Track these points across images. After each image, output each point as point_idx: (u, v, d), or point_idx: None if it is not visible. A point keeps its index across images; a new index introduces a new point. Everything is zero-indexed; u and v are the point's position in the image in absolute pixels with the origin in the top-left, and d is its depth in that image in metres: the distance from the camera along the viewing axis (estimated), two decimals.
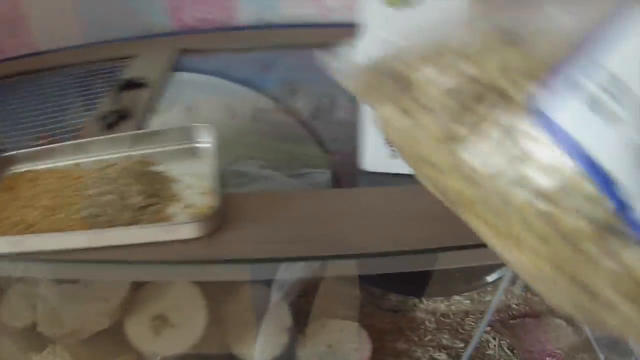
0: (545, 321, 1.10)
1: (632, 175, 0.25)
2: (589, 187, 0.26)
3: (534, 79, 0.28)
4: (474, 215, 0.32)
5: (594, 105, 0.25)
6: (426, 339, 1.06)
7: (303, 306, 0.92)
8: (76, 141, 0.75)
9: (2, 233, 0.61)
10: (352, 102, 0.81)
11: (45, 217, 0.64)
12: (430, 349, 1.05)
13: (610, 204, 0.26)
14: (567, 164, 0.27)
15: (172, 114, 0.95)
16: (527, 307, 1.13)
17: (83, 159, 0.75)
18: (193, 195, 0.68)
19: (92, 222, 0.62)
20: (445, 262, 0.61)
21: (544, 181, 0.27)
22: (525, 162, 0.28)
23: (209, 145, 0.76)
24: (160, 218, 0.63)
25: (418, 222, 0.60)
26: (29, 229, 0.62)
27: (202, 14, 1.32)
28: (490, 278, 1.12)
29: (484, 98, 0.29)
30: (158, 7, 1.28)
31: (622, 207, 0.26)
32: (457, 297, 1.13)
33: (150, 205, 0.65)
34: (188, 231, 0.60)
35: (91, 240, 0.58)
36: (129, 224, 0.61)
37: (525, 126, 0.28)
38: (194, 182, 0.70)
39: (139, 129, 0.83)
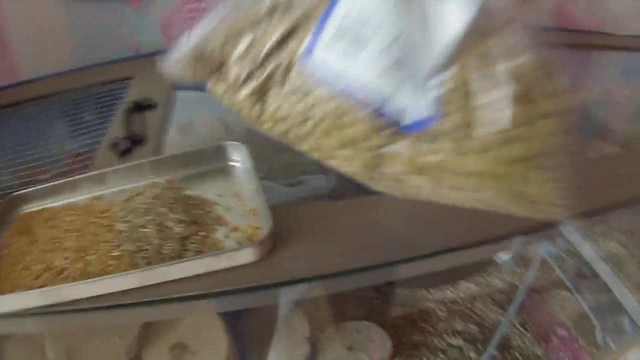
0: (550, 294, 1.12)
1: (380, 85, 0.33)
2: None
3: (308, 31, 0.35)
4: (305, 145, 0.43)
5: (337, 41, 0.33)
6: (440, 327, 1.07)
7: (314, 312, 0.91)
8: (94, 172, 0.68)
9: (29, 284, 0.53)
10: None
11: (76, 260, 0.56)
12: (446, 336, 1.06)
13: (370, 110, 0.35)
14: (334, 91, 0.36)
15: (169, 133, 0.90)
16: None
17: (104, 191, 0.67)
18: (236, 218, 0.61)
19: (133, 260, 0.54)
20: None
21: (327, 108, 0.37)
22: (309, 97, 0.37)
23: (239, 163, 0.70)
24: (208, 246, 0.56)
25: (465, 216, 0.53)
26: (60, 275, 0.54)
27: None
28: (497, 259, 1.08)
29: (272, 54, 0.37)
30: (149, 25, 1.22)
31: (378, 110, 0.35)
32: (463, 283, 1.15)
33: (193, 234, 0.57)
34: (244, 257, 0.53)
35: (142, 279, 0.51)
36: (177, 256, 0.54)
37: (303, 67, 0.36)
38: (233, 203, 0.63)
39: (156, 153, 0.76)
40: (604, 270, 0.95)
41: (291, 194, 0.79)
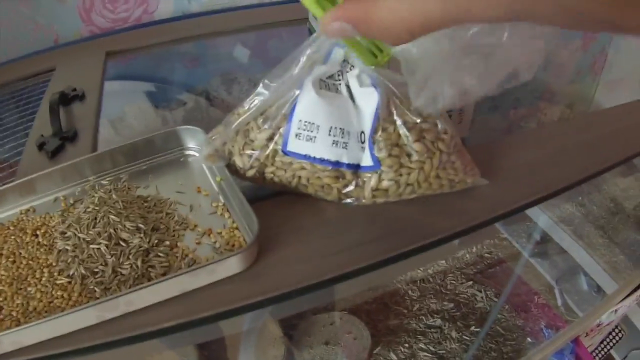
0: (521, 262, 1.14)
1: (331, 153, 0.52)
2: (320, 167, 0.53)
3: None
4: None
5: (301, 135, 0.51)
6: (415, 308, 1.05)
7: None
8: (21, 180, 0.55)
9: None
10: None
11: (13, 295, 0.45)
12: (423, 317, 1.04)
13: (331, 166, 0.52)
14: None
15: (101, 129, 0.78)
16: (498, 253, 1.17)
17: (35, 202, 0.55)
18: (205, 218, 0.51)
19: (86, 287, 0.43)
20: None
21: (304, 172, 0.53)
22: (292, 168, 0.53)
23: (197, 152, 0.58)
24: (178, 259, 0.45)
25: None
26: None
27: (115, 14, 1.16)
28: None
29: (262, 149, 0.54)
30: (67, 13, 1.11)
31: (339, 164, 0.52)
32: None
33: (156, 244, 0.46)
34: (228, 268, 0.43)
35: (101, 311, 0.40)
36: (141, 276, 0.43)
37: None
38: (198, 199, 0.53)
39: (93, 150, 0.64)
40: (559, 235, 1.08)
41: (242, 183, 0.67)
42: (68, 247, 0.47)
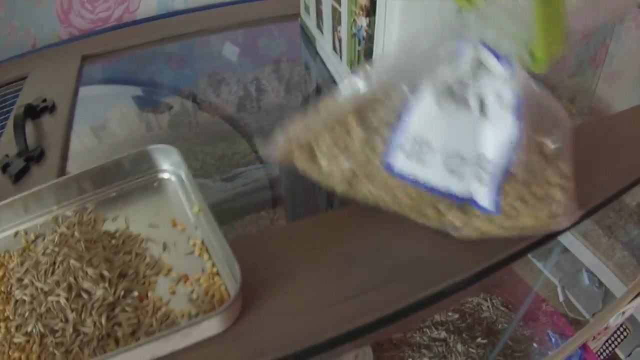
0: (518, 267, 1.10)
1: (443, 182, 0.43)
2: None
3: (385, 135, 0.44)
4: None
5: (411, 155, 0.43)
6: None
7: None
8: None
9: None
10: (280, 84, 0.96)
11: None
12: (427, 330, 1.00)
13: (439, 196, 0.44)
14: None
15: (80, 140, 0.76)
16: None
17: None
18: (180, 259, 0.44)
19: (46, 348, 0.37)
20: None
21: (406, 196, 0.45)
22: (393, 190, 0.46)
23: (171, 174, 0.53)
24: (148, 315, 0.39)
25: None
26: None
27: (94, 14, 1.12)
28: None
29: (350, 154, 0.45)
30: (45, 15, 1.06)
31: (450, 195, 0.44)
32: None
33: (123, 295, 0.40)
34: (208, 329, 0.36)
35: None
36: (106, 336, 0.37)
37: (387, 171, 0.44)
38: (172, 235, 0.47)
39: (60, 171, 0.58)
40: (565, 236, 1.01)
41: (230, 189, 0.71)
42: (25, 298, 0.41)
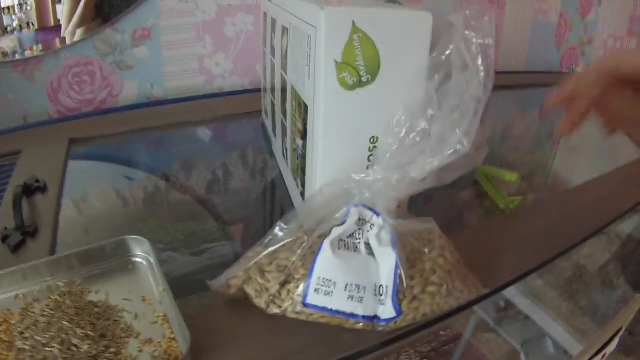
0: (476, 339, 1.09)
1: (350, 308, 0.57)
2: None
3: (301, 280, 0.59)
4: None
5: (319, 290, 0.57)
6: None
7: None
8: None
9: None
10: (245, 170, 1.04)
11: None
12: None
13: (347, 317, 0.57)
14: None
15: (64, 209, 0.86)
16: (453, 331, 1.10)
17: None
18: (147, 327, 0.59)
19: None
20: None
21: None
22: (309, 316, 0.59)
23: (143, 260, 0.68)
24: None
25: None
26: None
27: (81, 95, 1.26)
28: None
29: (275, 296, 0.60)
30: (36, 91, 1.19)
31: (356, 316, 0.57)
32: None
33: (103, 351, 0.55)
34: None
35: None
36: None
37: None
38: (142, 308, 0.61)
39: (52, 247, 0.72)
40: (524, 303, 1.06)
41: (198, 263, 0.76)
42: (27, 347, 0.55)
